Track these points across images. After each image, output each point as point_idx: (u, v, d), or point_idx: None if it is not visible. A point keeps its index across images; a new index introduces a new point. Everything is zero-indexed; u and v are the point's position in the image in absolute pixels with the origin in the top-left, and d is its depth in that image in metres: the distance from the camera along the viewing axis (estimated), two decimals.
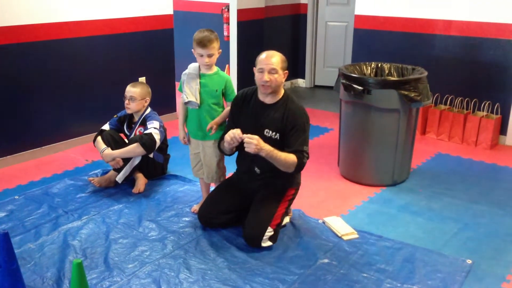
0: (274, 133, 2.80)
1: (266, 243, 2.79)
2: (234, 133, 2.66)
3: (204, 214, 3.01)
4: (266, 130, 2.80)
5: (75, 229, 3.00)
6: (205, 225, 3.02)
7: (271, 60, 2.73)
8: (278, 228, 2.87)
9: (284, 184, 2.91)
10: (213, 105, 2.95)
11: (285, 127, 2.78)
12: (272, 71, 2.72)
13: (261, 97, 2.85)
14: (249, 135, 2.64)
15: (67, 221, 3.08)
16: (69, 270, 2.57)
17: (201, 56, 2.90)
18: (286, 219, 3.07)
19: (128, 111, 3.57)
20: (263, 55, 2.77)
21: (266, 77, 2.71)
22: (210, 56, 2.89)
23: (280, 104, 2.81)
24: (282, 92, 2.84)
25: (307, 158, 2.78)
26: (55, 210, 3.22)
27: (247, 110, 2.89)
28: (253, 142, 2.61)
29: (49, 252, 2.76)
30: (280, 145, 2.77)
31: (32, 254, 2.73)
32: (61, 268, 2.61)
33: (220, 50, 2.96)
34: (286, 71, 2.80)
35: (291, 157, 2.72)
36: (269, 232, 2.79)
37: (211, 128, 2.94)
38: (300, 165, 2.75)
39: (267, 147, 2.66)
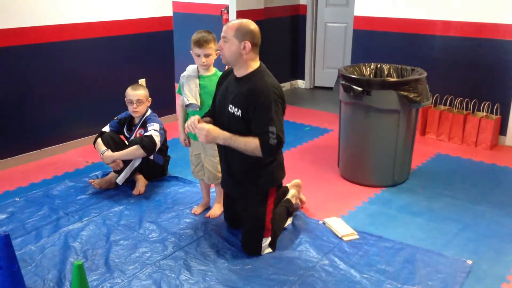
0: (236, 109, 2.59)
1: (266, 251, 2.78)
2: (193, 121, 2.58)
3: (226, 219, 3.06)
4: (230, 105, 2.62)
5: (76, 230, 3.00)
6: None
7: (224, 28, 2.59)
8: (275, 233, 2.82)
9: (263, 186, 2.72)
10: None
11: (248, 106, 2.55)
12: (224, 39, 2.58)
13: (234, 70, 2.68)
14: (200, 126, 2.54)
15: (68, 223, 3.09)
16: (70, 271, 2.57)
17: (198, 56, 2.91)
18: (289, 221, 3.06)
19: (137, 115, 3.56)
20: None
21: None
22: (207, 56, 2.90)
23: (248, 78, 2.59)
24: (253, 65, 2.61)
25: (277, 139, 2.49)
26: (56, 212, 3.22)
27: (223, 85, 2.75)
28: (202, 133, 2.52)
29: (50, 254, 2.76)
30: (243, 123, 2.58)
31: (33, 256, 2.74)
32: (62, 270, 2.61)
33: (218, 52, 2.96)
34: (247, 42, 2.53)
35: (253, 140, 2.51)
36: (266, 241, 2.77)
37: None
38: (266, 147, 2.50)
39: (222, 135, 2.54)
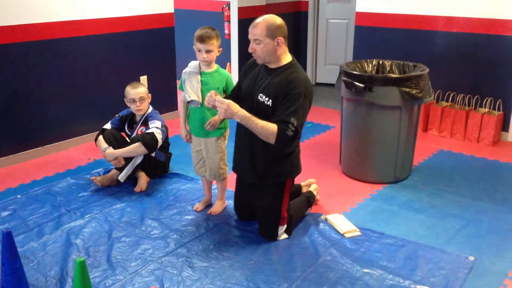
0: (267, 99, 2.64)
1: (282, 237, 2.88)
2: (211, 94, 2.62)
3: (236, 208, 3.11)
4: (260, 94, 2.67)
5: (78, 227, 3.00)
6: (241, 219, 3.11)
7: (253, 31, 2.63)
8: (291, 220, 2.91)
9: (282, 175, 2.78)
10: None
11: (278, 95, 2.60)
12: (256, 41, 2.63)
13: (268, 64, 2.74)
14: (220, 99, 2.57)
15: (70, 220, 3.09)
16: (72, 268, 2.58)
17: (200, 51, 2.90)
18: (308, 210, 3.16)
19: (141, 113, 3.55)
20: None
21: (250, 48, 2.66)
22: (208, 52, 2.89)
23: (282, 70, 2.65)
24: (286, 58, 2.69)
25: (294, 132, 2.53)
26: (58, 209, 3.23)
27: (251, 72, 2.82)
28: (222, 107, 2.54)
29: (52, 250, 2.76)
30: (271, 113, 2.62)
31: (35, 252, 2.74)
32: (64, 267, 2.61)
33: (221, 49, 2.96)
34: (280, 38, 2.59)
35: (271, 126, 2.53)
36: (282, 228, 2.87)
37: (208, 124, 2.90)
38: (281, 137, 2.53)
39: (241, 112, 2.55)
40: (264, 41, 2.60)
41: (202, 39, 2.87)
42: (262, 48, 2.61)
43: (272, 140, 2.56)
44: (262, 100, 2.66)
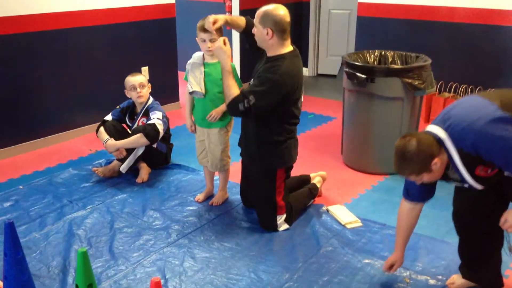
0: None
1: (282, 227, 2.88)
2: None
3: (241, 193, 3.17)
4: (252, 80, 2.75)
5: (80, 218, 3.01)
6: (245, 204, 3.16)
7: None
8: (290, 210, 2.91)
9: (270, 163, 2.79)
10: (218, 94, 2.93)
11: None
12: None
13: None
14: (227, 45, 2.68)
15: (72, 211, 3.10)
16: (74, 259, 2.59)
17: (204, 41, 2.89)
18: (311, 201, 3.17)
19: (142, 100, 3.53)
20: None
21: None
22: (212, 41, 2.87)
23: (271, 60, 2.67)
24: (281, 50, 2.67)
25: (246, 109, 2.58)
26: (60, 200, 3.24)
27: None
28: (220, 44, 2.65)
29: (54, 241, 2.78)
30: None
31: (37, 243, 2.75)
32: (66, 257, 2.63)
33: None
34: (268, 28, 2.60)
35: (233, 92, 2.62)
36: (281, 218, 2.87)
37: (210, 115, 2.93)
38: (233, 105, 2.61)
39: (228, 64, 2.65)
40: (257, 26, 2.66)
41: (206, 29, 2.85)
42: (256, 32, 2.67)
43: (226, 103, 2.68)
44: (251, 84, 2.73)
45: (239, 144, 2.98)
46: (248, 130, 2.81)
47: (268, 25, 2.61)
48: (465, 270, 2.37)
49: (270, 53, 2.70)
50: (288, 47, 2.71)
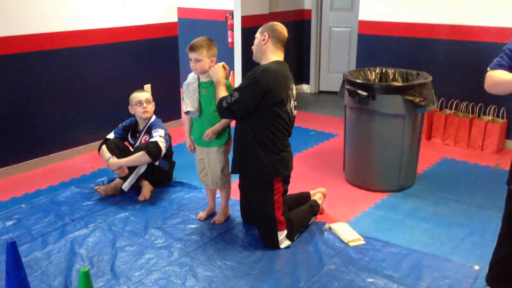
0: None
1: (284, 244, 2.87)
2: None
3: (241, 212, 3.18)
4: None
5: (82, 237, 3.01)
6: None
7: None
8: (291, 226, 2.90)
9: (261, 172, 2.78)
10: (214, 113, 2.91)
11: None
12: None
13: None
14: (219, 64, 2.91)
15: (74, 229, 3.10)
16: (76, 278, 2.58)
17: (191, 60, 2.91)
18: (313, 219, 3.15)
19: (147, 115, 3.57)
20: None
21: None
22: (197, 61, 2.87)
23: (256, 68, 2.77)
24: (272, 58, 2.81)
25: (229, 105, 2.68)
26: (62, 218, 3.23)
27: None
28: (215, 66, 2.88)
29: (56, 260, 2.77)
30: None
31: (39, 262, 2.75)
32: (68, 277, 2.61)
33: (214, 59, 2.92)
34: (266, 33, 2.80)
35: (222, 95, 2.78)
36: (282, 234, 2.86)
37: (206, 135, 2.95)
38: (220, 103, 2.74)
39: (222, 79, 2.84)
40: (256, 38, 2.85)
41: (191, 48, 2.87)
42: (254, 44, 2.86)
43: (216, 102, 2.81)
44: None
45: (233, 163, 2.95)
46: (241, 141, 2.82)
47: (265, 31, 2.81)
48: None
49: (262, 62, 2.83)
50: (279, 57, 2.84)
